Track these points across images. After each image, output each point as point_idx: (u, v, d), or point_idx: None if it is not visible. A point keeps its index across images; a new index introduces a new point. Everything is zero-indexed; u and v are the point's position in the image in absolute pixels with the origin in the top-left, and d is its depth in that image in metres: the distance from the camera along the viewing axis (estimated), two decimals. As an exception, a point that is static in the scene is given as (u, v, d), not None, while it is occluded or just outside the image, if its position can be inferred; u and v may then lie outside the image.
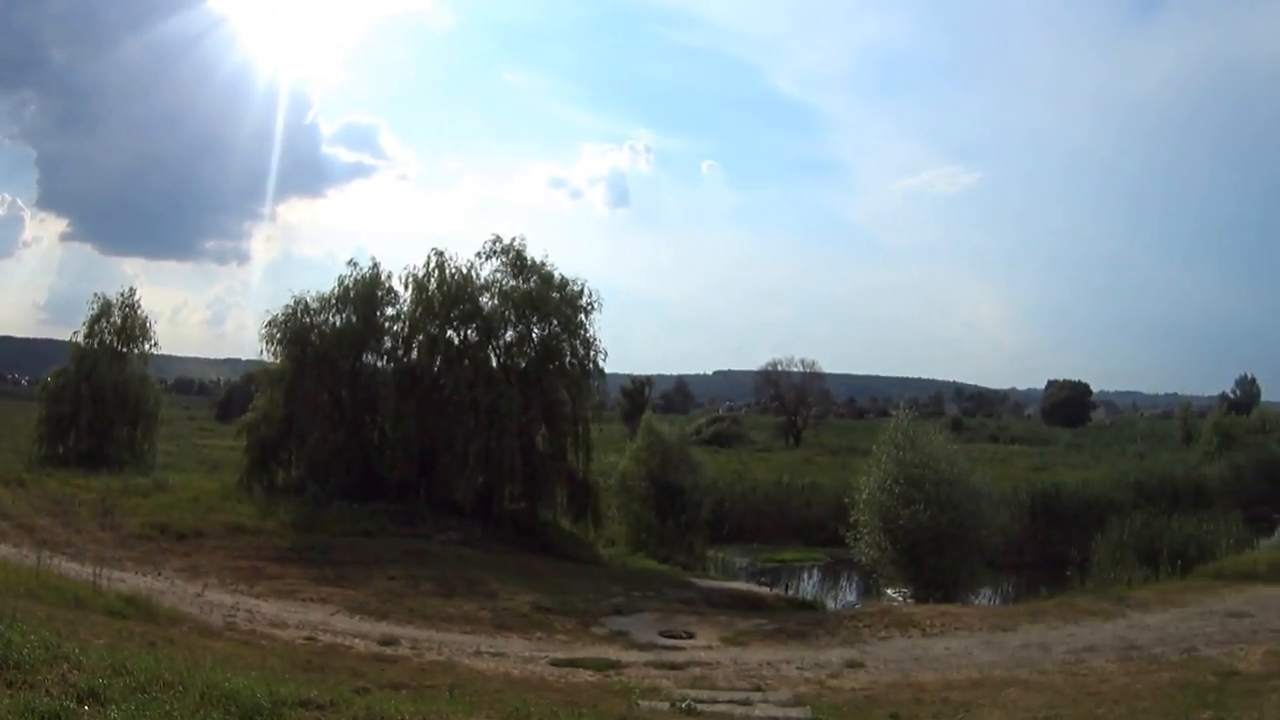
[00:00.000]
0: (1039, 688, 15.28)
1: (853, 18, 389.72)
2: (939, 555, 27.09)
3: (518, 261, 31.13)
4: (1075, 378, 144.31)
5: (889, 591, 29.09)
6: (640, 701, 12.52)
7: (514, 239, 31.49)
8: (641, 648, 17.57)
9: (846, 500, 30.07)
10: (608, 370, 34.14)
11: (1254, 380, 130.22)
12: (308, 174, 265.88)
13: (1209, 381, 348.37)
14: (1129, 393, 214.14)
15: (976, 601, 28.74)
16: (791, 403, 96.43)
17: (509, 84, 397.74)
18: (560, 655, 16.13)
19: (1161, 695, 14.72)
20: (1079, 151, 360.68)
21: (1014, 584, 34.46)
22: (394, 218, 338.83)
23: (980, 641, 19.03)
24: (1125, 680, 16.04)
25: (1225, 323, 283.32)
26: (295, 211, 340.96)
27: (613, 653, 16.77)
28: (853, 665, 16.64)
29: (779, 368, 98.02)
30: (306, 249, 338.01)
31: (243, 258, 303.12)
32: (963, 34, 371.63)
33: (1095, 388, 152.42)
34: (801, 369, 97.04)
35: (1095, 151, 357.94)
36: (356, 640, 16.34)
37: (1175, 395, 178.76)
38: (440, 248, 31.18)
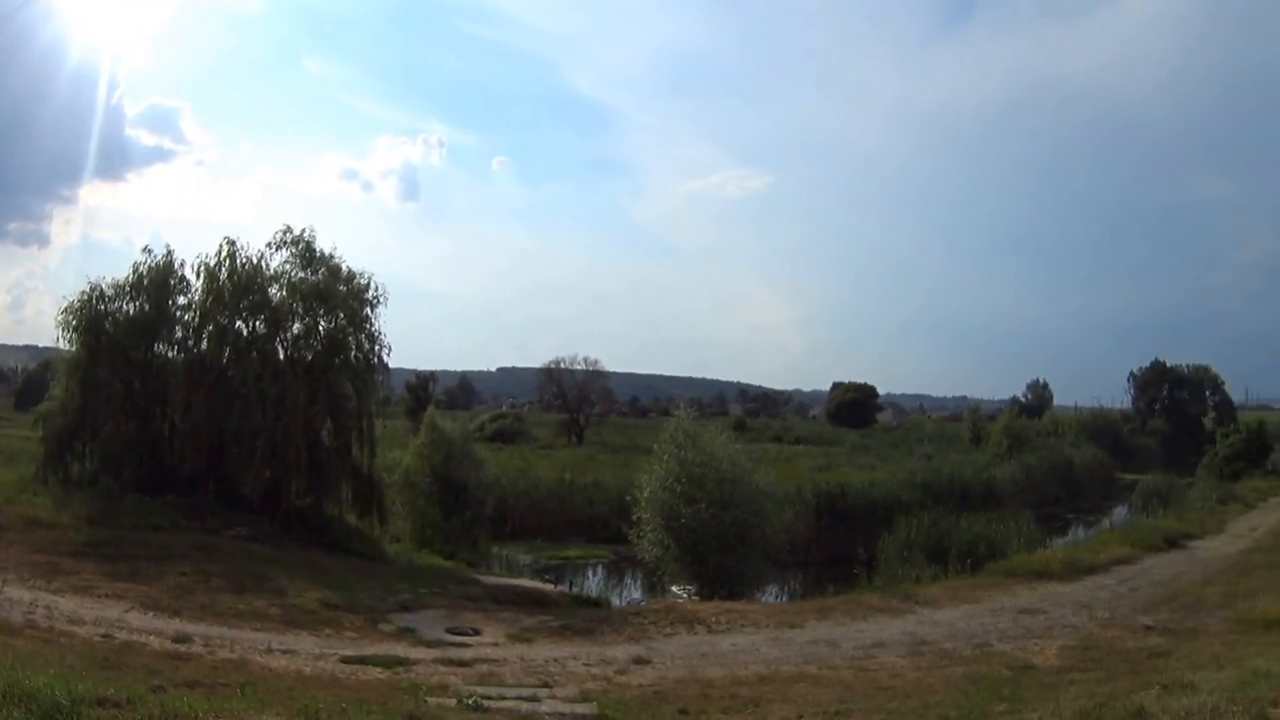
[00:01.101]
0: (829, 683, 15.62)
1: (652, 19, 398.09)
2: (722, 553, 27.94)
3: (307, 253, 31.13)
4: (862, 380, 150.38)
5: (674, 589, 29.94)
6: (428, 699, 12.59)
7: (304, 230, 31.49)
8: (429, 645, 17.73)
9: (629, 498, 30.89)
10: (392, 365, 34.72)
11: (1046, 385, 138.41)
12: (110, 157, 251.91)
13: (1000, 386, 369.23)
14: (917, 395, 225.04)
15: (762, 599, 29.68)
16: (574, 400, 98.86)
17: (310, 72, 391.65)
18: (350, 652, 16.19)
19: (955, 689, 15.10)
20: (873, 158, 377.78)
21: (801, 582, 35.67)
22: (191, 204, 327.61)
23: (767, 638, 19.48)
24: (917, 675, 16.47)
25: (1017, 328, 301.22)
26: (97, 195, 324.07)
27: (401, 650, 16.92)
28: (639, 662, 16.91)
29: (562, 365, 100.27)
30: (106, 234, 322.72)
31: (44, 241, 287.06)
32: (763, 40, 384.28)
33: (882, 390, 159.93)
34: (584, 367, 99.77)
35: (890, 159, 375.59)
36: (151, 638, 16.04)
37: (964, 398, 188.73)
38: (234, 236, 31.03)
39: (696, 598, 27.02)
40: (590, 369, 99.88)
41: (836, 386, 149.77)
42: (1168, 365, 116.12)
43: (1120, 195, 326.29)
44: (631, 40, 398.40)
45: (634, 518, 29.86)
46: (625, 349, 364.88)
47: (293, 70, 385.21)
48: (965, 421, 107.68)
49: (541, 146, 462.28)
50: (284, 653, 15.66)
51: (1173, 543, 35.42)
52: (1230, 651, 16.65)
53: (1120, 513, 55.70)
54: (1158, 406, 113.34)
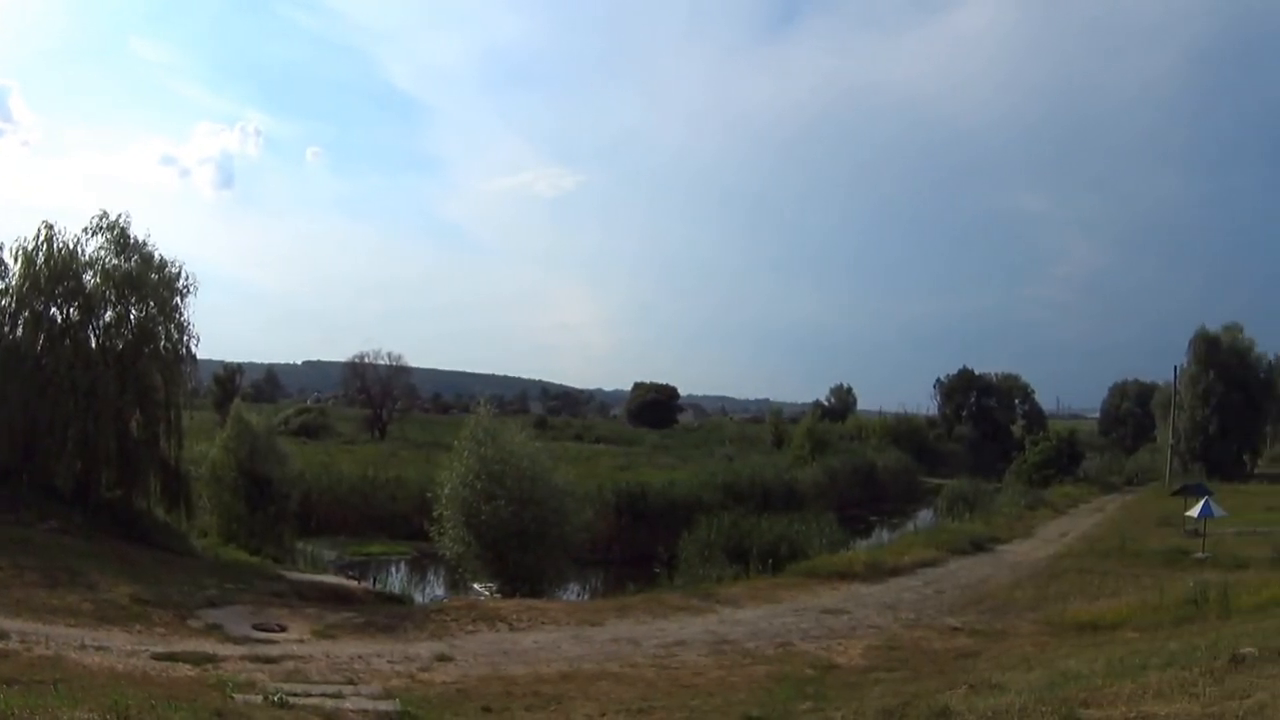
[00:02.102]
0: (631, 680, 15.98)
1: (474, 15, 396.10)
2: (522, 550, 28.45)
3: (121, 239, 30.78)
4: (664, 380, 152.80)
5: (475, 586, 30.32)
6: (235, 695, 12.65)
7: (119, 216, 31.08)
8: (237, 641, 17.74)
9: (430, 495, 31.21)
10: (200, 356, 34.34)
11: (849, 389, 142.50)
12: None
13: (803, 389, 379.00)
14: (719, 397, 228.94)
15: (564, 597, 30.35)
16: (378, 396, 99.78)
17: (138, 55, 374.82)
18: (161, 649, 16.09)
19: (758, 687, 15.58)
20: (684, 160, 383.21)
21: (602, 580, 36.17)
22: (14, 186, 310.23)
23: (569, 636, 19.86)
24: (720, 673, 16.92)
25: (822, 333, 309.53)
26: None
27: (209, 646, 16.87)
28: (442, 659, 17.12)
29: (366, 360, 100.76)
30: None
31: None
32: (582, 40, 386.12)
33: (684, 391, 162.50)
34: (388, 362, 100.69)
35: (702, 162, 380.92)
36: (-32, 635, 15.99)
37: (767, 401, 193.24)
38: (55, 220, 30.53)
39: (498, 595, 27.48)
40: (394, 364, 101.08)
41: (638, 387, 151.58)
42: (975, 373, 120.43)
43: (936, 206, 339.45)
44: (451, 36, 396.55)
45: (435, 514, 30.14)
46: (431, 345, 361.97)
47: (121, 52, 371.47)
48: (767, 424, 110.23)
49: (356, 139, 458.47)
50: (97, 649, 15.54)
51: (979, 546, 37.01)
52: (1040, 653, 17.53)
53: (925, 516, 57.36)
54: (965, 413, 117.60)
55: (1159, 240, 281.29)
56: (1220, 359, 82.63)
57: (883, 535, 50.13)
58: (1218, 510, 35.78)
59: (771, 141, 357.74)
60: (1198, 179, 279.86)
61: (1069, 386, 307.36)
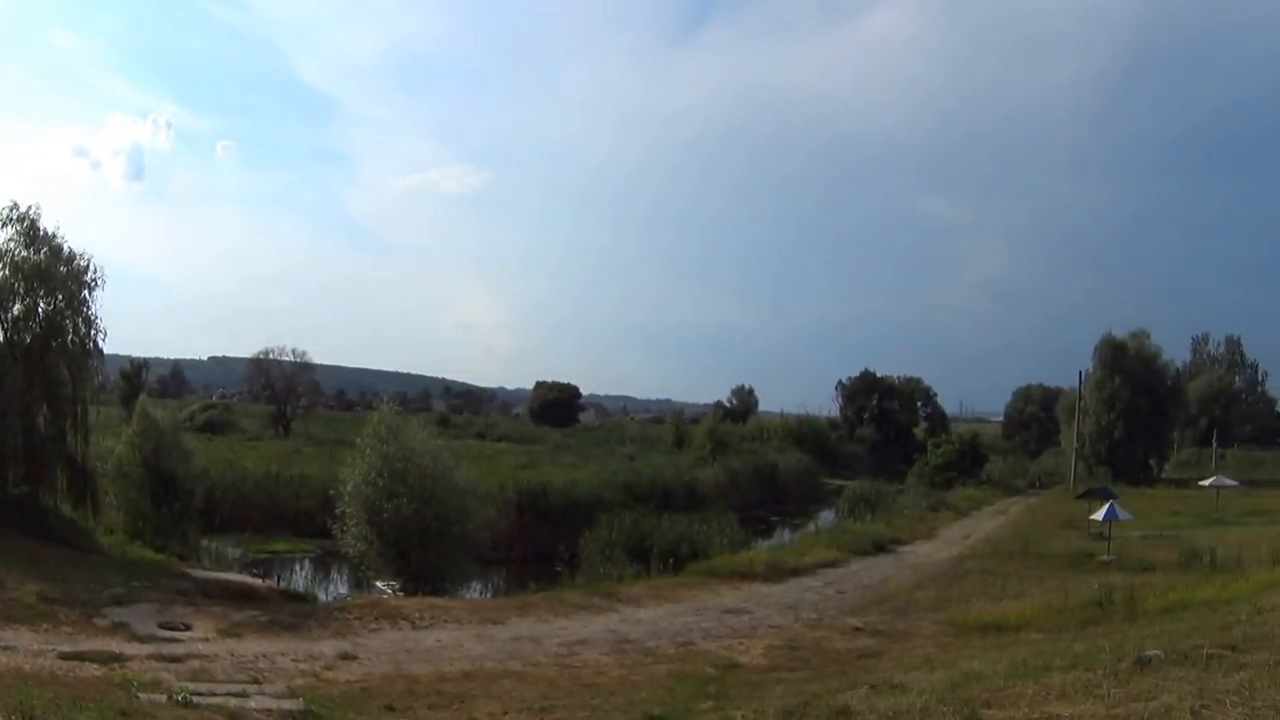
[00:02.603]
0: (533, 679, 15.96)
1: (387, 12, 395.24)
2: (424, 548, 28.34)
3: (31, 231, 30.24)
4: (566, 380, 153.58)
5: (378, 584, 30.12)
6: (141, 695, 12.55)
7: (30, 207, 30.57)
8: (142, 640, 17.51)
9: (333, 492, 30.94)
10: (107, 351, 33.80)
11: (751, 390, 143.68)
12: None
13: (706, 390, 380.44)
14: (620, 397, 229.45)
15: (466, 595, 30.16)
16: (282, 392, 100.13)
17: (55, 44, 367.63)
18: (67, 648, 15.93)
19: (660, 686, 15.58)
20: (589, 160, 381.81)
21: (504, 578, 36.04)
22: None
23: (471, 634, 19.82)
24: (621, 672, 16.91)
25: (723, 334, 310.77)
26: None
27: (116, 645, 16.66)
28: (346, 657, 17.06)
29: (271, 356, 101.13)
30: None
31: None
32: (495, 39, 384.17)
33: (586, 390, 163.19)
34: (293, 359, 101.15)
35: (605, 161, 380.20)
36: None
37: (668, 401, 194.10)
38: None
39: (401, 593, 27.33)
40: (298, 361, 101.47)
41: (540, 385, 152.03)
42: (877, 375, 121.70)
43: (837, 207, 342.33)
44: (363, 32, 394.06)
45: (338, 512, 29.93)
46: (336, 342, 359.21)
47: (40, 41, 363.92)
48: (668, 424, 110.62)
49: (267, 134, 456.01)
50: (4, 649, 15.40)
51: (881, 547, 37.26)
52: (943, 654, 17.58)
53: (827, 517, 57.64)
54: (866, 415, 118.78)
55: (1059, 245, 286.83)
56: (1127, 365, 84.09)
57: (784, 536, 50.33)
58: (1123, 514, 36.36)
59: (673, 141, 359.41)
60: (1093, 185, 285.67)
61: (972, 390, 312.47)
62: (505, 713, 13.23)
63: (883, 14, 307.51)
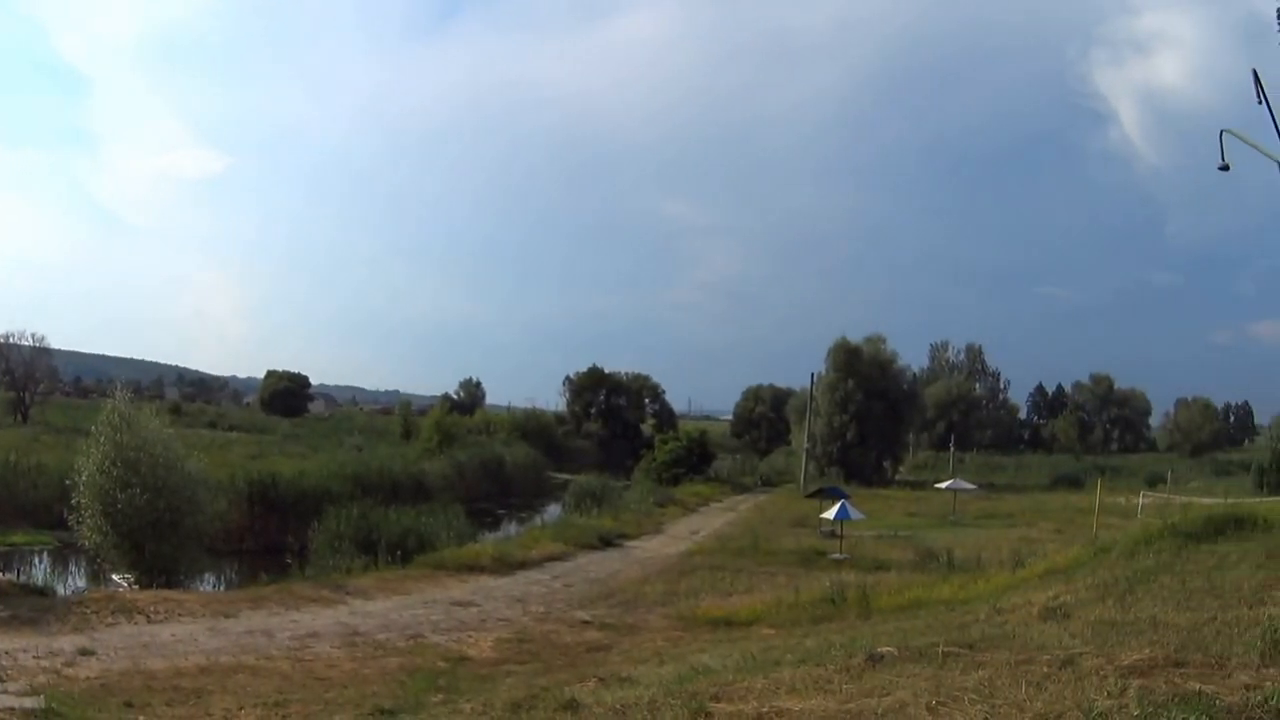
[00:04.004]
0: (267, 674, 15.80)
1: None
2: (158, 540, 27.53)
3: None
4: (297, 369, 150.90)
5: (115, 577, 29.00)
6: None
7: None
8: None
9: (69, 482, 29.57)
10: None
11: (479, 383, 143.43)
12: None
13: (434, 382, 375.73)
14: (350, 387, 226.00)
15: (199, 588, 29.38)
16: (20, 378, 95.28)
17: None
18: None
19: (391, 679, 15.67)
20: (327, 149, 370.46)
21: (236, 570, 35.07)
22: None
23: (205, 628, 19.43)
24: (353, 666, 16.93)
25: (452, 326, 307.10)
26: None
27: None
28: (85, 653, 16.49)
29: (10, 341, 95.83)
30: None
31: None
32: (248, 23, 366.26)
33: (316, 380, 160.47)
34: (32, 343, 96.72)
35: (342, 150, 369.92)
36: None
37: (397, 392, 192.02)
38: None
39: (136, 586, 26.44)
40: (36, 345, 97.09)
41: (270, 375, 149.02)
42: (605, 371, 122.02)
43: (571, 204, 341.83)
44: (126, 10, 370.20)
45: (74, 503, 28.63)
46: (74, 327, 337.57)
47: None
48: (396, 415, 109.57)
49: (19, 110, 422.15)
50: None
51: (608, 542, 37.78)
52: (673, 647, 18.19)
53: (554, 511, 57.56)
54: (594, 410, 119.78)
55: (795, 249, 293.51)
56: (861, 368, 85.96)
57: (511, 529, 50.29)
58: (855, 513, 37.21)
59: (415, 133, 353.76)
60: (836, 193, 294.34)
61: (701, 388, 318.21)
62: (241, 708, 13.05)
63: (637, 16, 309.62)
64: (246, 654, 17.20)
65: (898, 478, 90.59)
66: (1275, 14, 20.11)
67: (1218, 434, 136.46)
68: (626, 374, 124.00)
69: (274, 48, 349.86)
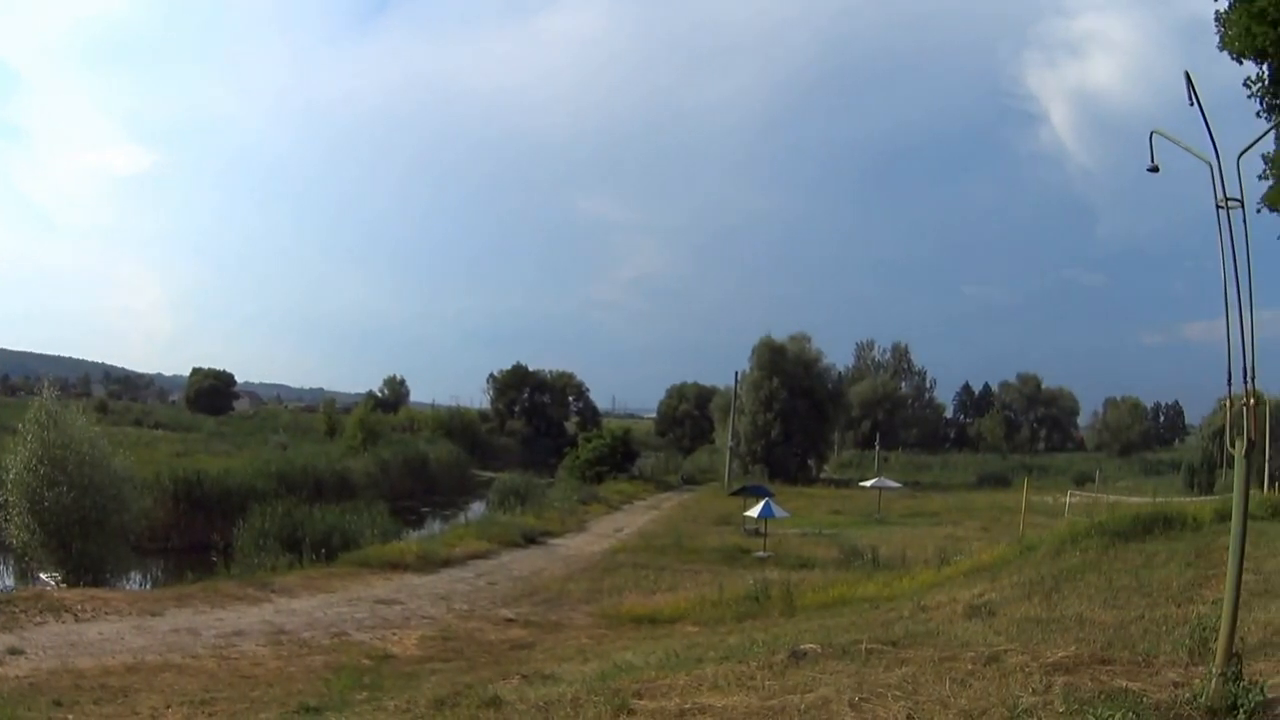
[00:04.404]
0: (194, 672, 15.76)
1: None
2: (85, 538, 27.46)
3: None
4: (222, 367, 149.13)
5: (43, 575, 28.78)
6: None
7: None
8: None
9: None
10: None
11: (403, 381, 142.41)
12: None
13: (358, 379, 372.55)
14: (275, 385, 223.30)
15: (126, 586, 29.22)
16: None
17: None
18: None
19: (316, 678, 15.65)
20: (256, 146, 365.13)
21: (163, 569, 34.75)
22: None
23: (131, 626, 19.27)
24: (278, 664, 16.90)
25: (376, 323, 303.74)
26: None
27: None
28: (14, 652, 16.40)
29: None
30: None
31: None
32: (176, 18, 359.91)
33: (241, 378, 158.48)
34: None
35: (264, 145, 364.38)
36: None
37: (322, 390, 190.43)
38: None
39: (64, 585, 26.17)
40: None
41: (196, 372, 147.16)
42: (529, 369, 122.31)
43: (493, 200, 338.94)
44: (55, 4, 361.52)
45: (0, 501, 28.42)
46: (2, 325, 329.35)
47: None
48: (321, 413, 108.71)
49: None
50: None
51: (531, 539, 37.77)
52: (597, 645, 18.27)
53: (477, 509, 57.14)
54: (518, 408, 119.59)
55: (717, 246, 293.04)
56: (786, 366, 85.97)
57: (435, 526, 49.90)
58: (779, 511, 37.33)
59: (334, 127, 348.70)
60: (757, 191, 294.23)
61: (625, 386, 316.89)
62: (168, 706, 12.99)
63: (564, 14, 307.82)
64: (173, 652, 17.11)
65: (822, 476, 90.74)
66: (1213, 17, 20.70)
67: (1147, 434, 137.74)
68: (550, 372, 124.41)
69: (201, 45, 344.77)
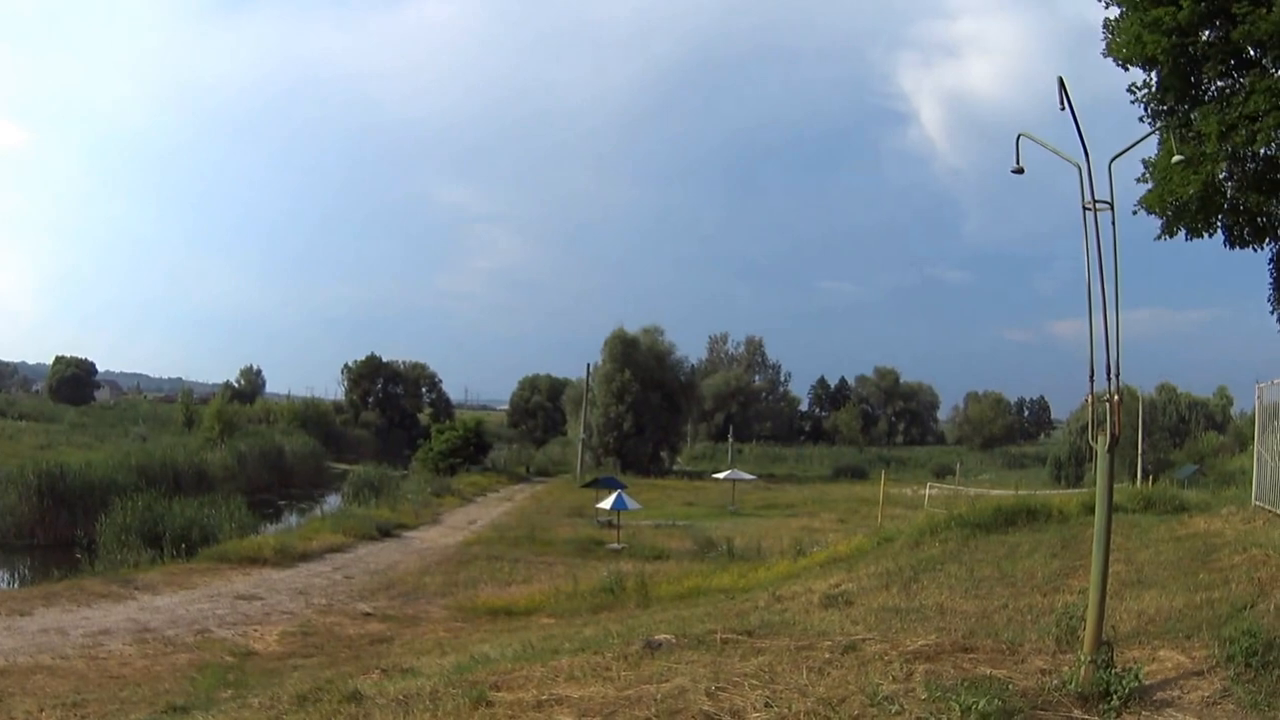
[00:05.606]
0: (64, 673, 15.50)
1: None
2: None
3: None
4: (84, 355, 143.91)
5: None
6: None
7: None
8: None
9: None
10: None
11: (259, 371, 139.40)
12: None
13: (218, 369, 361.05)
14: (136, 374, 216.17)
15: None
16: None
17: None
18: None
19: (182, 676, 15.62)
20: (125, 128, 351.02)
21: (29, 566, 33.65)
22: None
23: (2, 627, 18.83)
24: (145, 663, 16.77)
25: (233, 312, 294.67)
26: None
27: None
28: None
29: None
30: None
31: None
32: None
33: (104, 367, 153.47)
34: None
35: (135, 126, 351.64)
36: None
37: (181, 380, 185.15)
38: None
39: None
40: None
41: (58, 361, 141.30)
42: (383, 360, 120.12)
43: (354, 189, 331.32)
44: None
45: None
46: None
47: None
48: (179, 404, 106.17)
49: None
50: None
51: (387, 532, 37.41)
52: (454, 638, 18.39)
53: (333, 501, 55.98)
54: (372, 399, 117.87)
55: (574, 240, 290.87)
56: (638, 359, 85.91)
57: (291, 520, 49.19)
58: (631, 503, 37.35)
59: (199, 111, 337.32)
60: (619, 186, 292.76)
61: (479, 377, 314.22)
62: (41, 709, 12.82)
63: (435, 2, 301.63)
64: (43, 653, 16.82)
65: (675, 468, 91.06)
66: (1102, 25, 21.49)
67: (1011, 428, 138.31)
68: (404, 363, 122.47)
69: (78, 21, 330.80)
